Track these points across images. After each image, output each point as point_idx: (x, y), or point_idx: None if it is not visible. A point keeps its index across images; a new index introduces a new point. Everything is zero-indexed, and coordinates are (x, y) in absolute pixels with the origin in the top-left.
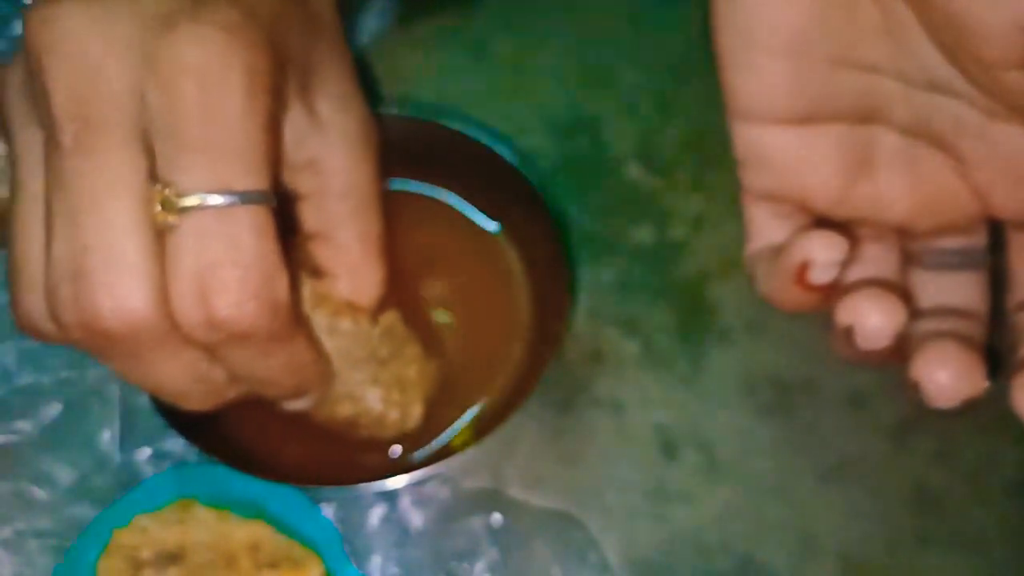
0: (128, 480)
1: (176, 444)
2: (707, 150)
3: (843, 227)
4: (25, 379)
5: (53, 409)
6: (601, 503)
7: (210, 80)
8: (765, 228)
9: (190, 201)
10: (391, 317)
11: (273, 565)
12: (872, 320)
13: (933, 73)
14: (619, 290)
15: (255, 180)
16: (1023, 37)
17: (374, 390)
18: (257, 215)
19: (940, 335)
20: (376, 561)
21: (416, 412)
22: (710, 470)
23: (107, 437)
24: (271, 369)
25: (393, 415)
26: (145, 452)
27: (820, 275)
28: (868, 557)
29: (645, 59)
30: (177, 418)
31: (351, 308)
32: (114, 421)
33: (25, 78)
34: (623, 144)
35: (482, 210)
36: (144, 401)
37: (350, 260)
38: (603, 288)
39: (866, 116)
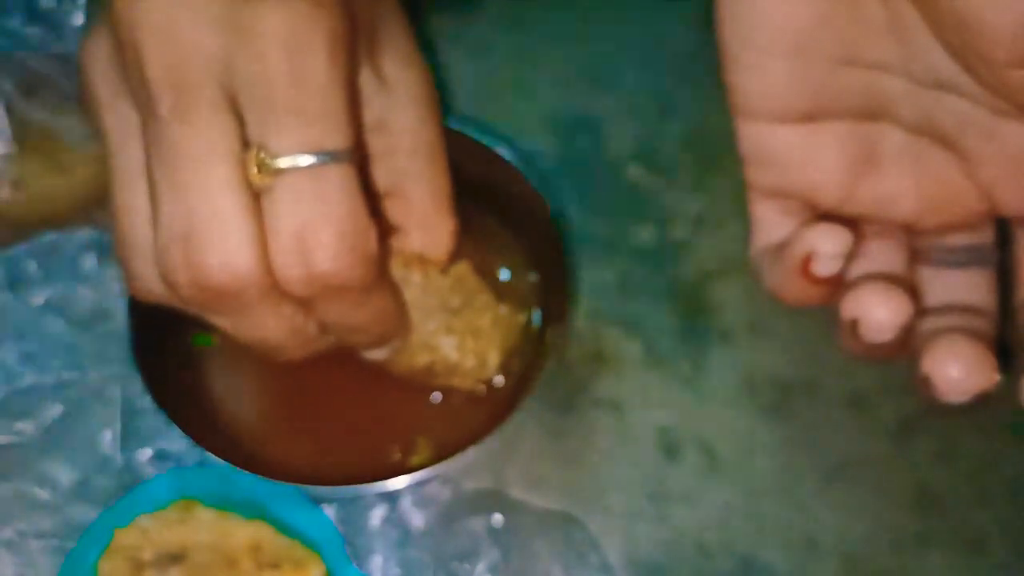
0: (129, 481)
1: (177, 444)
2: (708, 150)
3: (849, 223)
4: (26, 380)
5: (54, 410)
6: (602, 503)
7: (296, 46)
8: (770, 225)
9: (283, 163)
10: (462, 268)
11: (274, 565)
12: (878, 312)
13: (939, 71)
14: (620, 290)
15: (342, 139)
16: None
17: (449, 338)
18: (346, 173)
19: (950, 330)
20: (377, 561)
21: (493, 360)
22: (711, 470)
23: (108, 438)
24: (362, 318)
25: (469, 363)
26: (146, 453)
27: (824, 267)
28: (869, 557)
29: (645, 59)
30: (180, 417)
31: (421, 260)
32: (115, 422)
33: (111, 53)
34: (623, 144)
35: (483, 211)
36: (146, 402)
37: (422, 215)
38: (604, 288)
39: (871, 114)
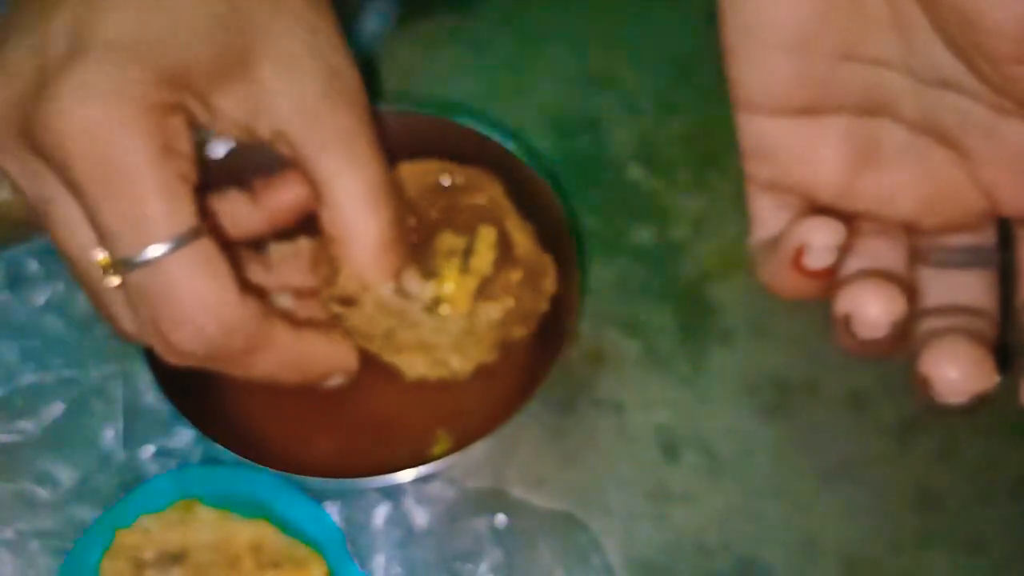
0: (131, 479)
1: (180, 441)
2: (708, 150)
3: (847, 219)
4: (27, 378)
5: (55, 408)
6: (603, 504)
7: (100, 149)
8: (769, 218)
9: (123, 264)
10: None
11: (276, 565)
12: (870, 308)
13: (941, 69)
14: (620, 290)
15: (176, 224)
16: None
17: (411, 355)
18: (186, 256)
19: (949, 331)
20: (379, 561)
21: (458, 365)
22: (711, 470)
23: (110, 435)
24: (268, 370)
25: (437, 372)
26: (149, 450)
27: (816, 259)
28: (869, 557)
29: (646, 59)
30: (187, 409)
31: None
32: (117, 419)
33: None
34: (624, 144)
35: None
36: (148, 399)
37: (343, 217)
38: (604, 288)
39: (872, 110)
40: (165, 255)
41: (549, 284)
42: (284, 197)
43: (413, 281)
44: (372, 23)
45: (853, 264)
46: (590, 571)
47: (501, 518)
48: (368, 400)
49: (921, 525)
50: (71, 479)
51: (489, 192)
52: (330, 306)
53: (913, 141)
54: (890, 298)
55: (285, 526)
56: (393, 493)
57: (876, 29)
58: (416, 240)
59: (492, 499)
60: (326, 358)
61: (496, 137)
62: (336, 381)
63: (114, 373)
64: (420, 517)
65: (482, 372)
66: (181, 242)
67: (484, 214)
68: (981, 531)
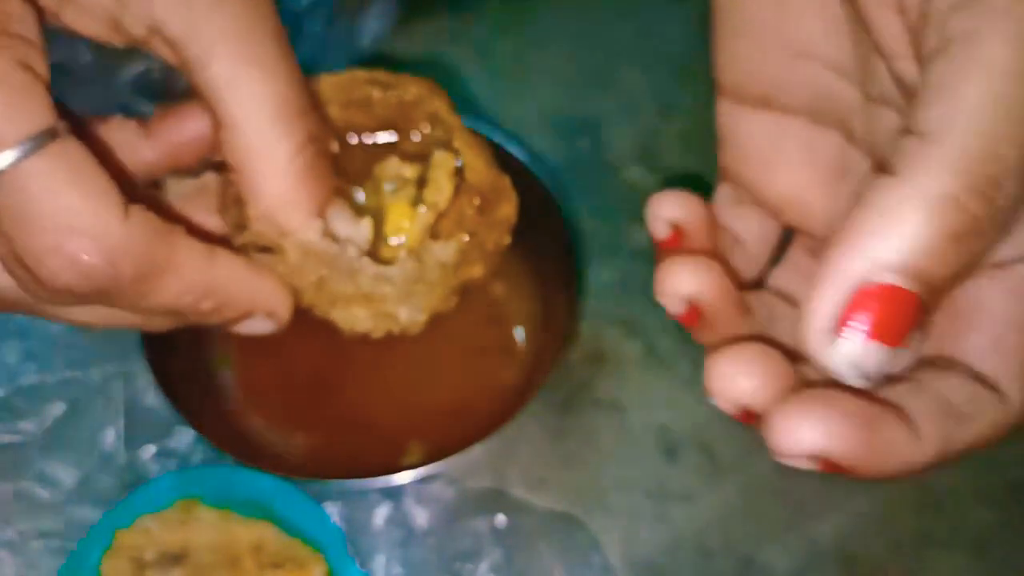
0: (132, 479)
1: (180, 441)
2: (708, 150)
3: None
4: (28, 379)
5: (56, 409)
6: (603, 504)
7: None
8: (722, 209)
9: None
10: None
11: (277, 565)
12: (668, 283)
13: (884, 85)
14: (620, 291)
15: (24, 123)
16: None
17: (355, 309)
18: (43, 163)
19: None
20: (380, 561)
21: (406, 316)
22: (711, 470)
23: (111, 436)
24: (170, 300)
25: (384, 326)
26: (150, 450)
27: (658, 229)
28: (869, 558)
29: (645, 60)
30: (187, 411)
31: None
32: (118, 419)
33: None
34: (624, 145)
35: None
36: (148, 399)
37: (245, 141)
38: (604, 288)
39: (825, 118)
40: (15, 164)
41: (509, 212)
42: (185, 129)
43: (344, 220)
44: (372, 23)
45: (781, 277)
46: (590, 571)
47: (501, 518)
48: (367, 400)
49: (920, 525)
50: (72, 479)
51: (432, 106)
52: (248, 255)
53: (860, 162)
54: (689, 273)
55: (286, 526)
56: (393, 494)
57: (833, 30)
58: (347, 171)
59: (492, 499)
60: (248, 291)
61: (496, 138)
62: (261, 327)
63: (115, 374)
64: (420, 517)
65: (481, 372)
66: (33, 145)
67: (427, 135)
68: (980, 531)
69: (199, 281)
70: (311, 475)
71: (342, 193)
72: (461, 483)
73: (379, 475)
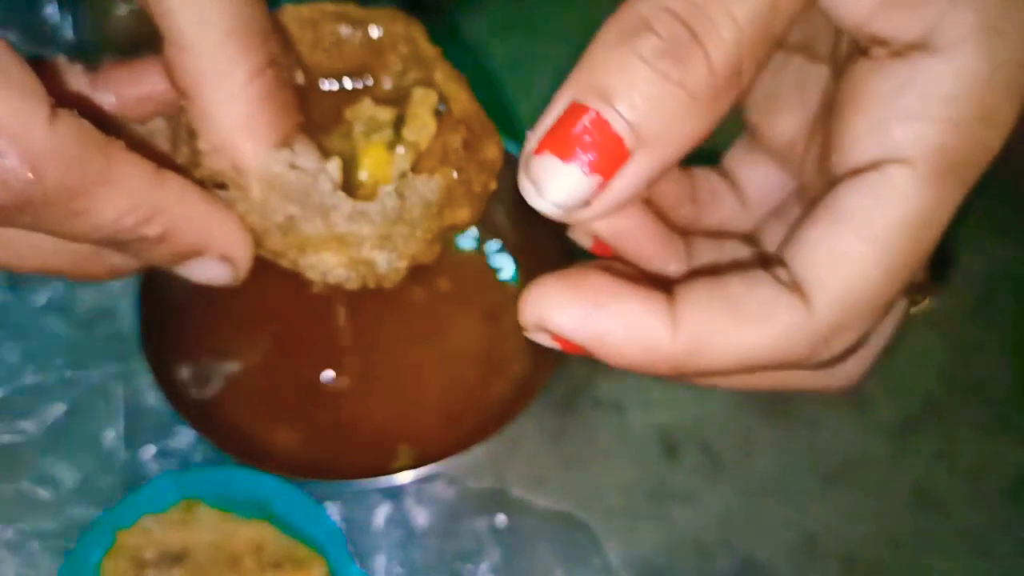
0: (132, 479)
1: (181, 441)
2: (708, 149)
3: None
4: (29, 379)
5: (57, 409)
6: (603, 504)
7: None
8: (731, 158)
9: None
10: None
11: (277, 565)
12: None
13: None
14: None
15: None
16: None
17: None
18: None
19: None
20: (380, 561)
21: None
22: (711, 470)
23: (111, 436)
24: (107, 222)
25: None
26: (150, 450)
27: (582, 241)
28: (869, 557)
29: None
30: (187, 411)
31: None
32: (119, 419)
33: None
34: None
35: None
36: (148, 399)
37: (196, 61)
38: None
39: (818, 53)
40: None
41: (495, 153)
42: (139, 85)
43: (311, 158)
44: None
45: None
46: (590, 571)
47: (501, 518)
48: (368, 401)
49: (920, 525)
50: (72, 479)
51: (408, 40)
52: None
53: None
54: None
55: (286, 526)
56: (394, 493)
57: None
58: (315, 119)
59: (492, 499)
60: (200, 222)
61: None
62: (215, 272)
63: (115, 374)
64: (421, 517)
65: (481, 373)
66: None
67: (405, 70)
68: (979, 531)
69: (143, 201)
70: (311, 475)
71: (309, 137)
72: (461, 483)
73: (377, 475)
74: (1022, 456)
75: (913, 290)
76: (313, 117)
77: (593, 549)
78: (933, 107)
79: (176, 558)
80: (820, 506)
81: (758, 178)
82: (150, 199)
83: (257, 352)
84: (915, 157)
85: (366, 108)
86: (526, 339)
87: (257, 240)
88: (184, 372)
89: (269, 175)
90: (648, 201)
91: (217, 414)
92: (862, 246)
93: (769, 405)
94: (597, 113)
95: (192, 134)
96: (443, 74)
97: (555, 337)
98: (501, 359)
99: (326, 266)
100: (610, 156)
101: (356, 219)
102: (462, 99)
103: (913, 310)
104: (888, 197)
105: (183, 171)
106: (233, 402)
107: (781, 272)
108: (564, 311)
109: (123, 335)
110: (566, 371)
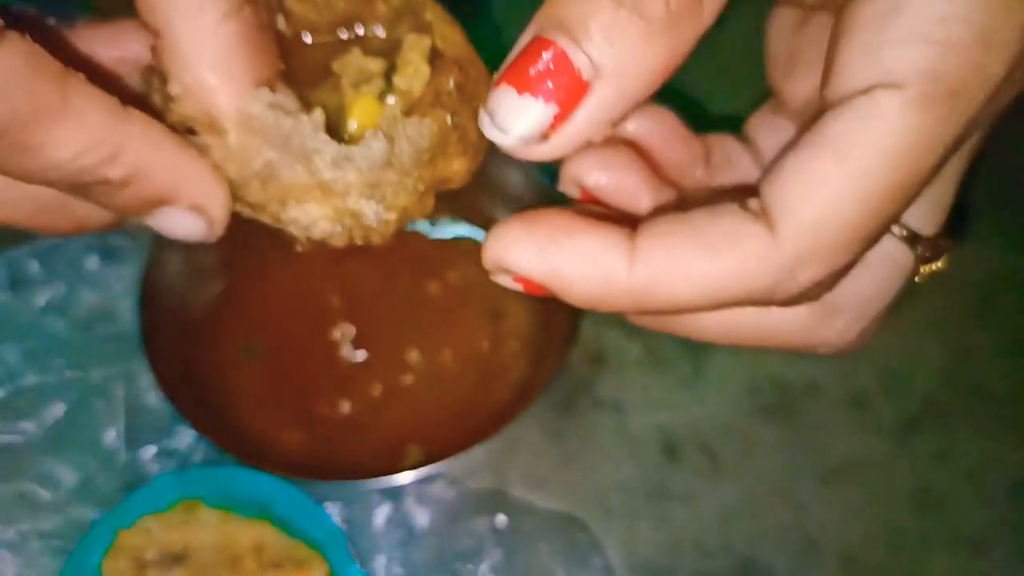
0: (133, 479)
1: (181, 441)
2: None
3: None
4: (29, 379)
5: (57, 409)
6: (603, 504)
7: None
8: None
9: None
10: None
11: (277, 565)
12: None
13: None
14: None
15: None
16: None
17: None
18: None
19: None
20: (381, 561)
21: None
22: (711, 471)
23: (112, 436)
24: (64, 158)
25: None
26: (150, 450)
27: (569, 190)
28: (869, 557)
29: None
30: (187, 411)
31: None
32: (119, 420)
33: None
34: None
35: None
36: (149, 400)
37: None
38: None
39: (824, 5)
40: None
41: None
42: (118, 47)
43: (291, 101)
44: None
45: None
46: (590, 571)
47: (502, 518)
48: (369, 401)
49: (920, 525)
50: (73, 480)
51: None
52: None
53: None
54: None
55: (286, 527)
56: (394, 494)
57: None
58: (301, 75)
59: (493, 499)
60: (169, 166)
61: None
62: (186, 225)
63: (115, 374)
64: (421, 517)
65: (481, 373)
66: None
67: (396, 19)
68: (981, 531)
69: (105, 138)
70: (311, 475)
71: (293, 91)
72: (461, 483)
73: (379, 476)
74: (1022, 456)
75: (923, 248)
76: (298, 72)
77: (593, 549)
78: (926, 29)
79: (176, 558)
80: (820, 506)
81: (778, 142)
82: (113, 136)
83: (258, 352)
84: (906, 81)
85: (355, 59)
86: (527, 339)
87: (235, 192)
88: (184, 371)
89: (246, 116)
90: (653, 162)
91: (218, 414)
92: (838, 172)
93: (769, 405)
94: (555, 45)
95: (164, 79)
96: (434, 15)
97: (516, 278)
98: (503, 359)
99: (309, 218)
100: (568, 88)
101: (341, 164)
102: (455, 40)
103: (924, 270)
104: (872, 121)
105: (155, 116)
106: (235, 402)
107: (752, 202)
108: (519, 248)
109: (123, 335)
110: (566, 371)
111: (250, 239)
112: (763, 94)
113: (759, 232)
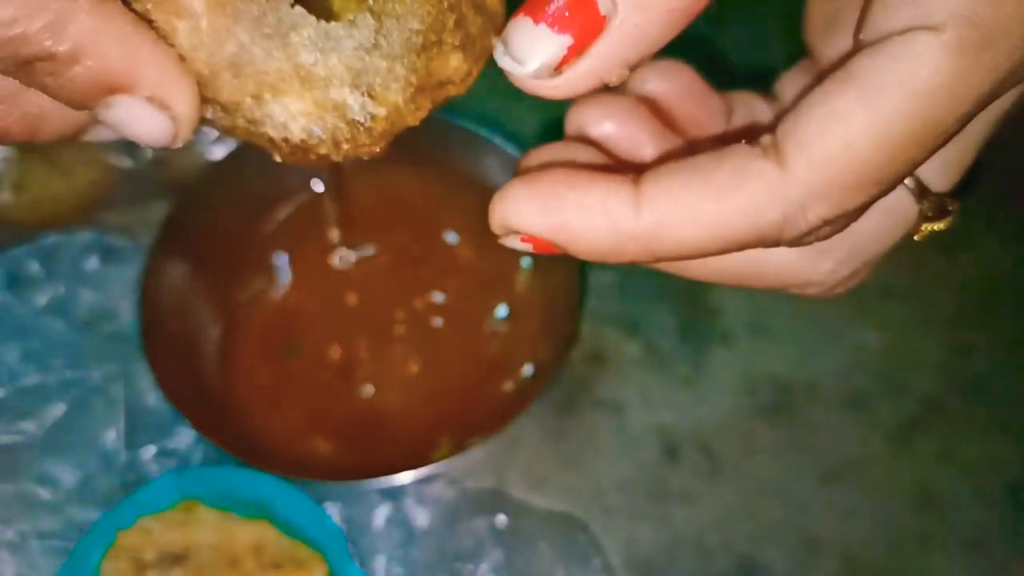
0: (133, 479)
1: (181, 442)
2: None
3: None
4: (29, 379)
5: (57, 409)
6: (603, 504)
7: None
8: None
9: None
10: None
11: (277, 566)
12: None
13: None
14: (620, 291)
15: None
16: None
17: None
18: None
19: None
20: (380, 561)
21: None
22: (711, 471)
23: (112, 436)
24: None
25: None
26: (150, 450)
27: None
28: (869, 558)
29: None
30: (187, 411)
31: None
32: (118, 420)
33: None
34: None
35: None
36: (149, 400)
37: None
38: (604, 289)
39: None
40: None
41: (496, 4)
42: None
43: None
44: None
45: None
46: (590, 571)
47: (502, 518)
48: (370, 400)
49: (920, 525)
50: (72, 480)
51: None
52: None
53: None
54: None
55: (286, 527)
56: (394, 494)
57: None
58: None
59: (493, 499)
60: (125, 46)
61: (496, 140)
62: (148, 122)
63: (115, 374)
64: (421, 518)
65: (482, 373)
66: None
67: None
68: (979, 531)
69: (49, 2)
70: (311, 475)
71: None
72: (461, 483)
73: (379, 475)
74: (1022, 456)
75: (929, 204)
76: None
77: (593, 549)
78: None
79: (176, 558)
80: (820, 506)
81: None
82: (57, 1)
83: (260, 352)
84: (943, 24)
85: None
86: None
87: (205, 92)
88: (185, 371)
89: None
90: (670, 118)
91: (218, 414)
92: (859, 109)
93: (769, 405)
94: None
95: None
96: None
97: (524, 238)
98: (503, 359)
99: (287, 114)
100: (584, 21)
101: (321, 46)
102: None
103: (924, 228)
104: (903, 62)
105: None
106: (235, 402)
107: (765, 138)
108: (524, 207)
109: (123, 335)
110: (566, 371)
111: (251, 238)
112: (792, 55)
113: (767, 168)
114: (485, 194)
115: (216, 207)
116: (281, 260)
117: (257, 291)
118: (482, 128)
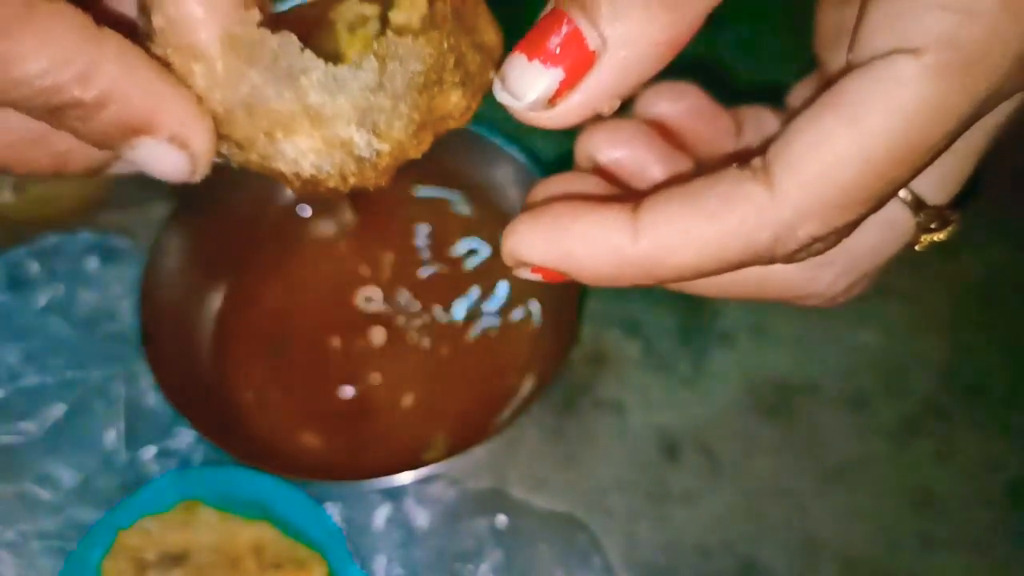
0: (133, 480)
1: (181, 442)
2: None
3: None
4: (29, 380)
5: (57, 409)
6: (603, 504)
7: None
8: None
9: None
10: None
11: (277, 566)
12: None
13: None
14: (620, 292)
15: None
16: None
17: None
18: None
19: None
20: (381, 562)
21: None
22: (711, 471)
23: (112, 436)
24: (28, 77)
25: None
26: (150, 451)
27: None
28: (869, 558)
29: None
30: (188, 411)
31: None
32: (119, 420)
33: None
34: None
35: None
36: (149, 400)
37: None
38: (604, 290)
39: None
40: None
41: (492, 39)
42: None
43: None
44: None
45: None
46: (590, 571)
47: (502, 519)
48: (370, 400)
49: (920, 526)
50: (72, 480)
51: None
52: None
53: None
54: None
55: (286, 527)
56: (394, 494)
57: None
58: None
59: (493, 500)
60: (147, 91)
61: (496, 140)
62: (168, 160)
63: (115, 374)
64: (421, 518)
65: (482, 373)
66: None
67: None
68: (980, 531)
69: (76, 54)
70: (311, 475)
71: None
72: (461, 483)
73: (379, 476)
74: (1022, 456)
75: (927, 216)
76: (295, 26)
77: (593, 549)
78: None
79: (176, 559)
80: (820, 506)
81: None
82: (84, 53)
83: (260, 351)
84: (924, 47)
85: (351, 6)
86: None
87: (220, 128)
88: (185, 371)
89: (230, 37)
90: (679, 138)
91: (218, 414)
92: (844, 131)
93: (769, 405)
94: (567, 17)
95: (145, 8)
96: None
97: (534, 269)
98: (503, 360)
99: (298, 151)
100: (575, 56)
101: (329, 87)
102: None
103: (924, 239)
104: (886, 84)
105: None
106: (236, 402)
107: (755, 161)
108: (530, 240)
109: (123, 335)
110: (566, 371)
111: (252, 237)
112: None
113: (756, 190)
114: (494, 197)
115: (216, 207)
116: (284, 258)
117: (257, 291)
118: (497, 137)
